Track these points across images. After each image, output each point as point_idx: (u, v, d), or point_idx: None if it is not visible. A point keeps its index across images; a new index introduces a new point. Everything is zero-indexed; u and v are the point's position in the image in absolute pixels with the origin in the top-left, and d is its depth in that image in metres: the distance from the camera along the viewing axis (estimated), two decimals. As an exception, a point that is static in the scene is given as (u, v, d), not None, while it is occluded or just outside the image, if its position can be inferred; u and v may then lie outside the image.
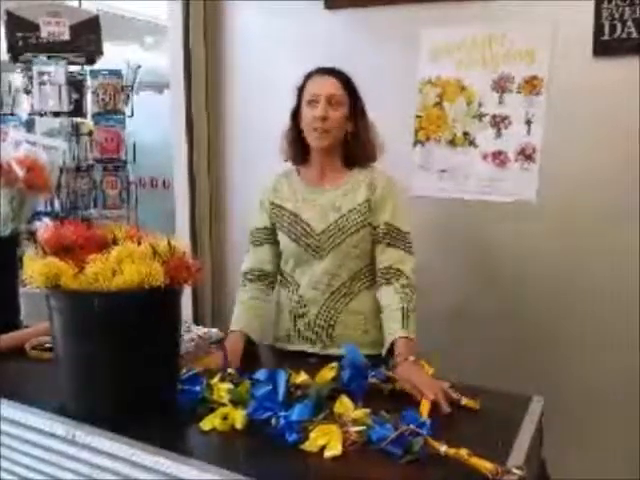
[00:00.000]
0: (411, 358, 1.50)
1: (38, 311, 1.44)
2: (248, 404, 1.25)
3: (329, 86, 1.67)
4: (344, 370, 1.41)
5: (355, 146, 1.73)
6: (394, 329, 1.60)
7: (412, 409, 1.23)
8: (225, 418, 1.24)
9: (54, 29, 2.79)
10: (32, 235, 2.20)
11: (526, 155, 2.13)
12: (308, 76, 1.73)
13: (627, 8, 1.94)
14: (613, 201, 2.02)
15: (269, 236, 1.81)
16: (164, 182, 3.33)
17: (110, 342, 1.25)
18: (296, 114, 1.75)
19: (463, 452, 1.08)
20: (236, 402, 1.28)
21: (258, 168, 2.66)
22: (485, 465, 1.05)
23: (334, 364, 1.44)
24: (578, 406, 2.10)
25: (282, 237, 1.77)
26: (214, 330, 1.78)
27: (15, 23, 2.81)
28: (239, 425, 1.22)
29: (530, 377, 2.02)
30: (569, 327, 2.13)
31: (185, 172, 2.77)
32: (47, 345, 1.58)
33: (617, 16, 1.95)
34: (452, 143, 2.25)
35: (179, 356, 1.42)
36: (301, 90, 1.73)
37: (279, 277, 1.86)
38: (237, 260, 2.80)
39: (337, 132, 1.69)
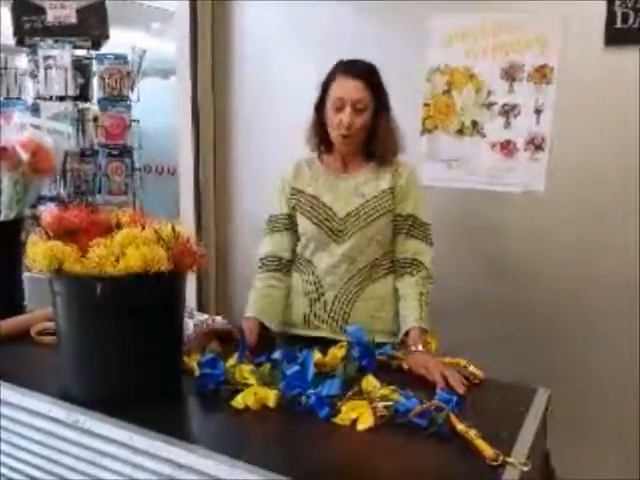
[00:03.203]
0: (420, 347, 1.54)
1: (42, 296, 1.44)
2: (278, 383, 1.28)
3: (354, 91, 1.64)
4: (353, 348, 1.44)
5: (375, 144, 1.73)
6: (410, 319, 1.64)
7: (446, 390, 1.29)
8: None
9: (60, 13, 2.77)
10: (37, 220, 2.20)
11: (535, 145, 2.11)
12: (334, 72, 1.70)
13: (640, -3, 1.91)
14: (623, 192, 2.00)
15: (288, 223, 1.80)
16: (169, 168, 3.32)
17: (113, 327, 1.24)
18: (319, 106, 1.74)
19: (472, 433, 1.12)
20: (264, 382, 1.30)
21: (264, 155, 2.66)
22: (487, 450, 1.07)
23: (343, 343, 1.47)
24: (580, 399, 2.09)
25: (303, 220, 1.77)
26: (218, 317, 1.77)
27: (21, 6, 2.80)
28: (271, 403, 1.25)
29: (535, 369, 2.01)
30: (576, 318, 2.12)
31: (190, 158, 2.76)
32: (52, 330, 1.58)
33: (630, 5, 1.92)
34: (460, 132, 2.23)
35: (182, 342, 1.41)
36: (326, 86, 1.70)
37: (295, 262, 1.84)
38: (242, 247, 2.81)
39: (361, 134, 1.69)
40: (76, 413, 1.22)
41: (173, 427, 1.17)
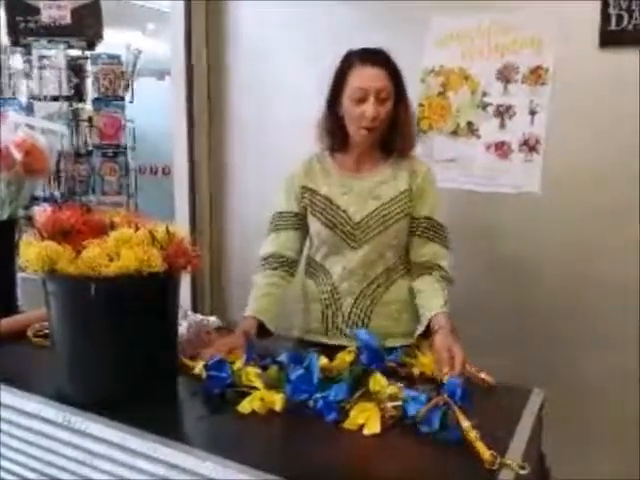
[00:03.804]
0: (448, 327, 1.49)
1: (36, 296, 1.43)
2: (283, 387, 1.26)
3: (376, 80, 1.53)
4: (362, 354, 1.37)
5: (395, 136, 1.63)
6: (436, 305, 1.56)
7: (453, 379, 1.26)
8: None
9: (55, 13, 2.77)
10: (30, 220, 2.19)
11: (529, 146, 2.11)
12: (349, 61, 1.58)
13: (634, -1, 1.92)
14: (618, 193, 2.00)
15: (293, 221, 1.70)
16: (164, 169, 3.32)
17: (106, 328, 1.24)
18: (332, 100, 1.62)
19: (473, 434, 1.09)
20: (270, 385, 1.28)
21: (259, 156, 2.66)
22: (485, 453, 1.05)
23: (351, 348, 1.40)
24: (580, 399, 2.09)
25: (315, 223, 1.68)
26: (212, 318, 1.76)
27: (16, 6, 2.80)
28: (278, 407, 1.23)
29: (532, 369, 2.01)
30: (571, 320, 2.11)
31: (185, 159, 2.75)
32: (47, 331, 1.57)
33: (624, 7, 1.93)
34: (455, 133, 2.23)
35: (176, 342, 1.41)
36: (340, 77, 1.59)
37: (306, 266, 1.78)
38: (237, 248, 2.80)
39: (383, 126, 1.59)
40: (69, 414, 1.21)
41: (167, 428, 1.16)
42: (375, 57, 1.57)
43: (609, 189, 2.02)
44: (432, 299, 1.59)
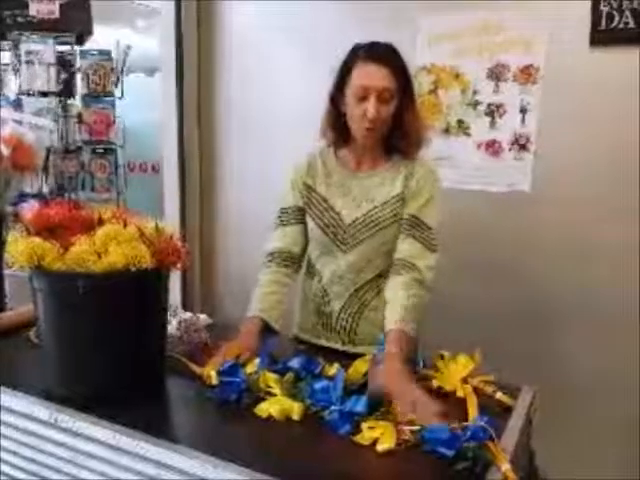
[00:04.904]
0: (393, 350, 1.35)
1: (23, 293, 1.41)
2: (302, 395, 1.25)
3: (379, 79, 1.47)
4: (377, 365, 1.33)
5: (398, 136, 1.59)
6: (390, 321, 1.44)
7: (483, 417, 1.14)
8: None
9: (43, 7, 2.73)
10: (18, 216, 2.17)
11: (520, 145, 2.12)
12: (353, 57, 1.52)
13: (625, -2, 1.92)
14: (608, 192, 2.01)
15: (299, 216, 1.67)
16: (153, 166, 3.30)
17: (94, 325, 1.23)
18: (335, 95, 1.58)
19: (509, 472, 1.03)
20: (289, 393, 1.26)
21: (250, 152, 2.65)
22: None
23: (368, 356, 1.37)
24: (581, 399, 2.10)
25: (310, 222, 1.66)
26: (202, 315, 1.75)
27: (3, 0, 2.75)
28: (296, 416, 1.21)
29: (521, 368, 2.01)
30: (565, 319, 2.12)
31: (175, 156, 2.74)
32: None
33: (615, 6, 1.93)
34: (446, 131, 2.23)
35: (165, 340, 1.39)
36: (344, 72, 1.54)
37: (306, 264, 1.75)
38: (227, 245, 2.79)
39: (385, 127, 1.55)
40: (57, 412, 1.20)
41: (157, 427, 1.15)
42: (380, 54, 1.50)
43: (599, 187, 2.02)
44: (391, 312, 1.47)
